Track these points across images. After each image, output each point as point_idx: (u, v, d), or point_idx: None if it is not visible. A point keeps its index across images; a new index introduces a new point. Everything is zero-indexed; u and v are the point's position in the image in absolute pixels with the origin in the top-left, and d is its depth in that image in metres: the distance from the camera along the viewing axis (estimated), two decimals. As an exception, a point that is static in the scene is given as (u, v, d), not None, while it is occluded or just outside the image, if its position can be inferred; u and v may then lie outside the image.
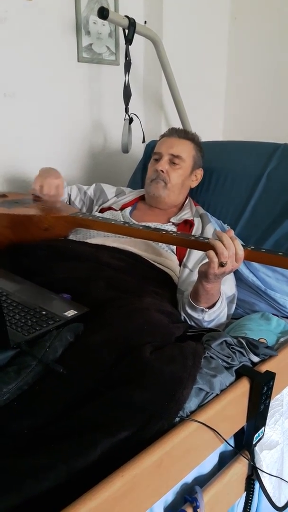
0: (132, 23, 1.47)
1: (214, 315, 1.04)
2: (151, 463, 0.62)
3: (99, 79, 1.72)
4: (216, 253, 0.90)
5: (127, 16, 1.46)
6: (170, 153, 1.33)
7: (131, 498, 0.59)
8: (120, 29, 1.58)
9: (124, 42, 1.53)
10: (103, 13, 1.38)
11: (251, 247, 0.95)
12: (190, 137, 1.39)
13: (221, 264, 0.90)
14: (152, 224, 1.29)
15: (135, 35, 1.51)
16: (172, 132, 1.40)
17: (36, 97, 1.56)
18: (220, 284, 1.01)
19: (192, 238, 1.03)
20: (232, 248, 0.90)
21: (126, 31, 1.50)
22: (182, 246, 1.18)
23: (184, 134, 1.39)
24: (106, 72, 1.73)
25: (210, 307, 1.03)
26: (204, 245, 0.98)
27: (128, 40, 1.51)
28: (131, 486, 0.59)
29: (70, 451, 0.59)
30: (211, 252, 0.91)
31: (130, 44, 1.52)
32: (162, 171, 1.32)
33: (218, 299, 1.03)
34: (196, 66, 1.91)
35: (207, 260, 0.93)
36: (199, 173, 1.42)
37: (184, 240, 1.05)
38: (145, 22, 1.76)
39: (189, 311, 1.04)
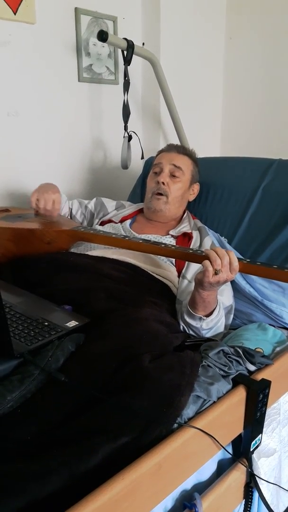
0: (130, 45, 1.53)
1: (212, 323, 1.06)
2: (150, 467, 0.63)
3: (99, 98, 1.78)
4: (210, 262, 0.95)
5: (125, 38, 1.52)
6: (172, 163, 1.37)
7: (131, 501, 0.61)
8: (119, 50, 1.64)
9: (123, 62, 1.58)
10: (102, 36, 1.44)
11: (247, 260, 0.99)
12: (188, 153, 1.44)
13: (216, 272, 0.95)
14: (152, 237, 1.32)
15: (134, 56, 1.56)
16: (171, 148, 1.45)
17: (39, 116, 1.61)
18: (216, 292, 1.04)
19: (190, 251, 1.07)
20: (226, 257, 0.94)
21: (125, 52, 1.55)
22: (180, 259, 1.22)
23: (183, 149, 1.44)
24: (106, 91, 1.79)
25: (208, 315, 1.05)
26: (202, 258, 1.01)
27: (127, 61, 1.57)
28: (131, 489, 0.60)
29: (72, 455, 0.61)
30: (206, 262, 0.95)
31: (129, 65, 1.57)
32: (163, 183, 1.36)
33: (216, 307, 1.06)
34: (193, 84, 1.97)
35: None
36: (196, 187, 1.46)
37: (183, 253, 1.09)
38: (143, 43, 1.83)
39: (187, 319, 1.07)
